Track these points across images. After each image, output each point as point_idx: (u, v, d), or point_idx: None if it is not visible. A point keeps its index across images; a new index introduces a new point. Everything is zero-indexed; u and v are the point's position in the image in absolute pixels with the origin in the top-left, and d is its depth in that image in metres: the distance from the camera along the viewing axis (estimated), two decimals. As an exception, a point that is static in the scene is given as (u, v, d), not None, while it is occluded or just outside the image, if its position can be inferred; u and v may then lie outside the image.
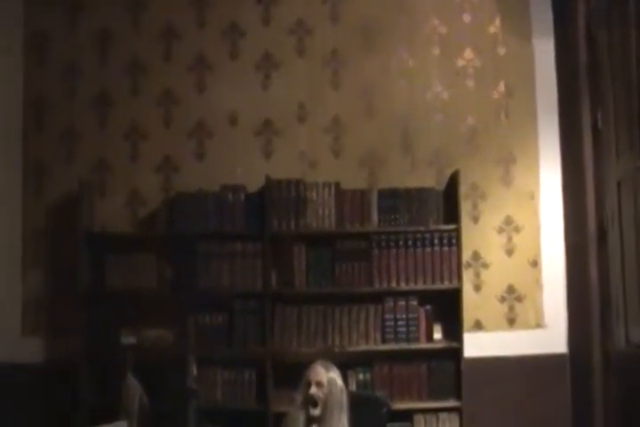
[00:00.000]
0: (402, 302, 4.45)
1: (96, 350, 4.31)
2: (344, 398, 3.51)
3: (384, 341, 4.42)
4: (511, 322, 4.67)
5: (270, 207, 4.45)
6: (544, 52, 4.81)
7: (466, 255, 4.59)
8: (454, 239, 4.46)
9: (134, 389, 3.77)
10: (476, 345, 4.52)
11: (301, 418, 3.52)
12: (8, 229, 4.68)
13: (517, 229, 4.72)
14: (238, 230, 4.48)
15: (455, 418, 4.38)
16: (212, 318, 4.44)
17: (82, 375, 4.26)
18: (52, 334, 4.63)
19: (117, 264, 4.49)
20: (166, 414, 3.72)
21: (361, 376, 4.41)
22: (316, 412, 3.49)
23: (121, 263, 4.48)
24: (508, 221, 4.72)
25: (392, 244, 4.47)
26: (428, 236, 4.48)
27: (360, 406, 3.63)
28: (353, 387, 4.32)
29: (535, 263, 4.70)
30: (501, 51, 4.83)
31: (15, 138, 4.77)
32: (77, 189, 4.53)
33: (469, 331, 4.53)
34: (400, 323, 4.43)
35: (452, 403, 4.38)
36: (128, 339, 4.25)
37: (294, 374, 3.66)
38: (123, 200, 4.71)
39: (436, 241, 4.47)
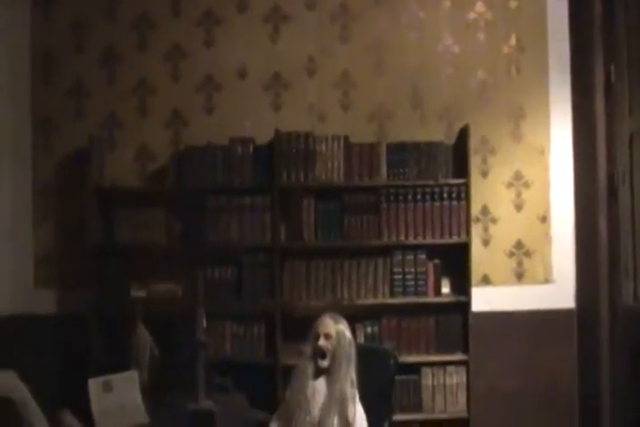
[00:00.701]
0: (410, 256, 4.46)
1: (106, 303, 4.36)
2: (352, 350, 3.55)
3: (392, 294, 4.45)
4: (519, 277, 4.68)
5: (279, 160, 4.44)
6: (557, 4, 4.74)
7: (474, 210, 4.58)
8: (463, 193, 4.46)
9: (144, 339, 3.82)
10: (483, 299, 4.55)
11: (310, 370, 3.57)
12: (19, 184, 4.71)
13: (527, 185, 4.70)
14: (247, 184, 4.48)
15: (462, 371, 4.42)
16: (221, 272, 4.48)
17: (93, 327, 4.32)
18: (63, 287, 4.69)
19: (127, 218, 4.51)
20: (176, 366, 3.77)
21: (369, 330, 4.45)
22: (324, 363, 3.53)
23: (130, 218, 4.50)
24: (518, 176, 4.70)
25: (401, 197, 4.47)
26: (436, 190, 4.47)
27: (368, 358, 3.67)
28: (361, 340, 4.35)
29: (544, 219, 4.69)
30: (513, 4, 4.76)
31: (23, 94, 4.75)
32: (87, 144, 4.53)
33: (477, 285, 4.55)
34: (408, 277, 4.45)
35: (459, 356, 4.42)
36: (137, 292, 4.29)
37: (303, 328, 3.69)
38: (132, 155, 4.71)
39: (444, 195, 4.47)
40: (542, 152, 4.72)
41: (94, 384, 3.31)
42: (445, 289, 4.57)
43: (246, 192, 4.47)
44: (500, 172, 4.70)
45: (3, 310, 4.24)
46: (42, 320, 4.58)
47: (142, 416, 3.28)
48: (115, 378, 3.35)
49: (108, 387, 3.32)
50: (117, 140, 4.73)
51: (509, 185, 4.70)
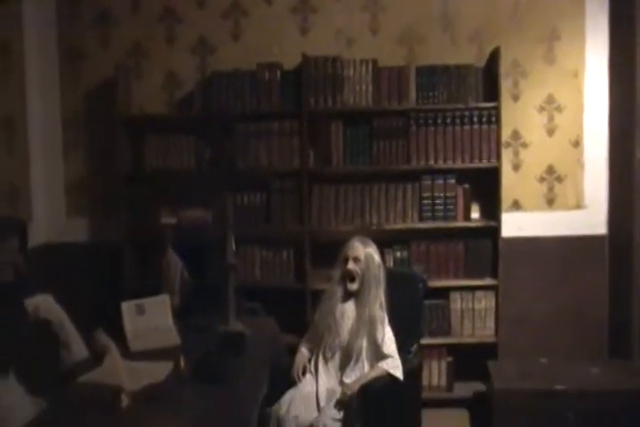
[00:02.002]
0: (440, 181, 4.43)
1: (137, 230, 4.40)
2: (381, 274, 3.57)
3: (421, 219, 4.45)
4: (550, 202, 4.63)
5: (307, 85, 4.38)
6: None
7: (505, 134, 4.51)
8: (494, 117, 4.38)
9: (175, 264, 3.87)
10: (513, 225, 4.54)
11: (339, 293, 3.61)
12: (48, 114, 4.73)
13: (559, 109, 4.60)
14: (275, 109, 4.45)
15: (491, 296, 4.44)
16: (250, 197, 4.51)
17: (125, 254, 4.40)
18: (95, 216, 4.77)
19: (155, 146, 4.53)
20: (206, 289, 3.83)
21: (398, 254, 4.47)
22: (353, 286, 3.56)
23: (159, 145, 4.52)
24: (550, 99, 4.59)
25: (430, 121, 4.41)
26: (467, 113, 4.40)
27: (397, 281, 3.71)
28: (390, 265, 4.37)
29: (577, 143, 4.61)
30: None
31: (50, 24, 4.72)
32: (114, 73, 4.52)
33: (507, 211, 4.53)
34: (438, 201, 4.43)
35: (488, 281, 4.44)
36: (168, 219, 4.33)
37: (332, 253, 3.72)
38: (159, 82, 4.69)
39: (475, 119, 4.40)
40: (576, 75, 4.59)
41: (127, 307, 3.37)
42: (475, 214, 4.55)
43: (274, 117, 4.44)
44: (532, 95, 4.59)
45: (37, 238, 4.31)
46: (75, 248, 4.68)
47: (174, 338, 3.34)
48: (147, 302, 3.40)
49: (140, 310, 3.38)
50: (144, 69, 4.70)
51: (541, 109, 4.60)
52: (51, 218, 4.73)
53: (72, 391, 2.91)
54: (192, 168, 4.52)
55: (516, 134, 4.60)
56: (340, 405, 3.34)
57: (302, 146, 4.41)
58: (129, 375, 2.79)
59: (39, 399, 2.97)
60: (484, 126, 4.39)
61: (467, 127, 4.41)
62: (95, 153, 4.75)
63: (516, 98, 4.58)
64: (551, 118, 4.60)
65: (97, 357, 3.05)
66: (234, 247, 3.52)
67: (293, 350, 3.69)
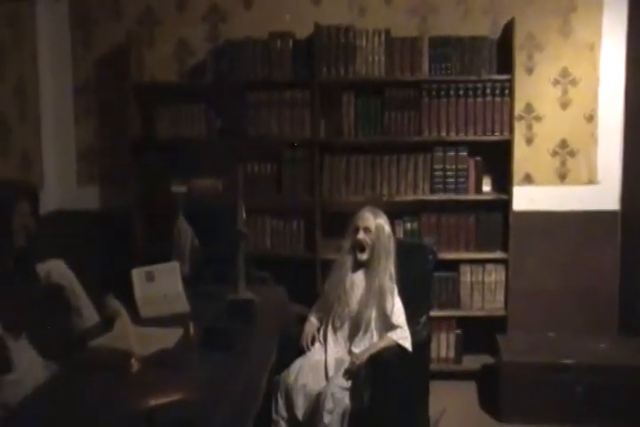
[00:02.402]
0: (451, 153, 4.40)
1: (148, 199, 4.38)
2: (391, 244, 3.56)
3: (432, 191, 4.43)
4: (563, 177, 4.60)
5: (319, 55, 4.35)
6: None
7: (518, 107, 4.47)
8: (507, 90, 4.34)
9: (185, 231, 3.87)
10: (525, 199, 4.52)
11: (349, 263, 3.60)
12: (59, 82, 4.72)
13: (574, 82, 4.55)
14: (287, 78, 4.42)
15: (501, 269, 4.44)
16: (261, 167, 4.50)
17: (135, 222, 4.41)
18: (105, 184, 4.79)
19: (167, 114, 4.52)
20: (216, 258, 3.83)
21: (408, 226, 4.46)
22: (363, 257, 3.55)
23: (170, 113, 4.51)
24: (565, 73, 4.54)
25: (443, 93, 4.37)
26: (479, 86, 4.37)
27: (407, 253, 3.70)
28: (400, 236, 4.36)
29: (591, 118, 4.56)
30: None
31: (61, -8, 4.68)
32: (125, 40, 4.49)
33: (519, 184, 4.50)
34: (449, 173, 4.41)
35: (498, 255, 4.42)
36: (178, 188, 4.32)
37: (342, 223, 3.71)
38: (170, 51, 4.66)
39: (487, 91, 4.36)
40: (592, 48, 4.53)
41: (137, 274, 3.38)
42: (486, 187, 4.53)
43: (286, 87, 4.42)
44: (546, 68, 4.54)
45: (48, 206, 4.32)
46: (85, 216, 4.70)
47: (183, 305, 3.35)
48: (157, 269, 3.41)
49: (150, 277, 3.38)
50: (156, 37, 4.67)
51: (555, 82, 4.55)
52: (62, 185, 4.75)
53: (83, 356, 2.93)
54: (203, 137, 4.51)
55: (529, 107, 4.55)
56: (349, 374, 3.35)
57: (313, 116, 4.38)
58: (139, 341, 2.80)
59: (51, 363, 2.99)
60: (497, 99, 4.35)
61: (479, 99, 4.37)
62: (106, 121, 4.74)
63: (530, 71, 4.53)
64: (565, 92, 4.55)
65: (107, 322, 3.07)
66: (244, 216, 3.50)
67: (302, 320, 3.70)
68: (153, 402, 2.44)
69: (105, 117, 4.73)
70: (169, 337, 3.00)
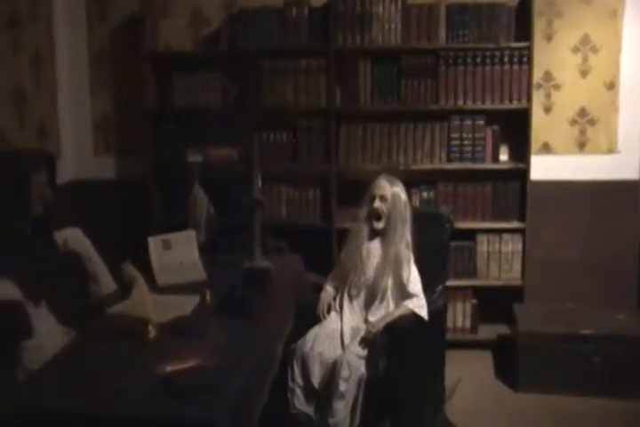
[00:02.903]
0: (468, 122, 4.36)
1: (163, 168, 4.43)
2: (407, 213, 3.54)
3: (449, 160, 4.39)
4: (582, 146, 4.54)
5: (335, 23, 4.30)
6: None
7: (537, 75, 4.40)
8: (525, 58, 4.27)
9: (201, 200, 3.85)
10: (543, 168, 4.47)
11: (365, 232, 3.59)
12: (74, 52, 4.70)
13: (595, 50, 4.46)
14: (302, 47, 4.38)
15: (518, 239, 4.41)
16: (277, 135, 4.48)
17: (151, 191, 4.42)
18: (122, 153, 4.79)
19: (182, 83, 4.49)
20: (232, 226, 3.83)
21: (425, 195, 4.44)
22: (379, 225, 3.54)
23: (185, 82, 4.49)
24: (585, 40, 4.46)
25: (460, 61, 4.32)
26: (497, 53, 4.30)
27: (424, 221, 3.67)
28: (416, 205, 4.33)
29: (612, 86, 4.48)
30: None
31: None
32: (140, 9, 4.46)
33: (537, 153, 4.45)
34: (466, 142, 4.37)
35: (515, 224, 4.40)
36: (194, 157, 4.31)
37: (358, 192, 3.69)
38: (185, 19, 4.62)
39: (505, 59, 4.30)
40: (614, 15, 4.43)
41: (154, 243, 3.38)
42: (504, 156, 4.49)
43: (301, 55, 4.39)
44: (566, 35, 4.45)
45: (65, 175, 4.33)
46: (102, 185, 4.72)
47: (199, 273, 3.36)
48: (173, 237, 3.41)
49: (166, 245, 3.39)
50: (170, 5, 4.62)
51: (575, 50, 4.46)
52: (78, 155, 4.75)
53: (101, 322, 2.95)
54: (218, 106, 4.49)
55: (548, 75, 4.48)
56: (365, 342, 3.36)
57: (329, 84, 4.35)
58: (156, 308, 2.81)
59: (69, 330, 3.02)
60: (515, 67, 4.29)
61: (497, 67, 4.31)
62: (121, 90, 4.72)
63: (549, 38, 4.45)
64: (585, 59, 4.47)
65: (125, 290, 3.09)
66: (260, 184, 3.49)
67: (318, 289, 3.70)
68: (170, 368, 2.47)
69: (120, 87, 4.72)
70: (185, 305, 3.01)
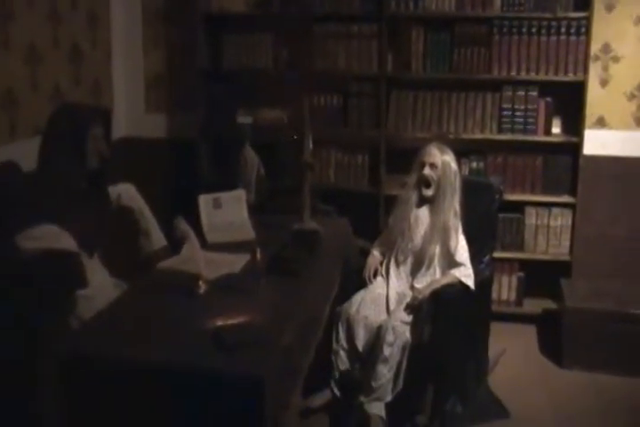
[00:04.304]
0: (521, 92, 4.27)
1: (214, 127, 4.34)
2: (457, 182, 3.49)
3: (500, 131, 4.32)
4: (639, 121, 4.42)
5: (388, -13, 4.24)
6: None
7: (595, 47, 4.26)
8: (583, 28, 4.15)
9: (252, 160, 3.85)
10: (596, 143, 4.35)
11: (414, 198, 3.55)
12: (129, 11, 4.68)
13: (658, 21, 4.32)
14: (355, 11, 4.32)
15: (568, 214, 4.33)
16: (327, 100, 4.45)
17: (201, 150, 4.36)
18: (173, 112, 4.79)
19: (234, 44, 4.47)
20: (282, 187, 3.82)
21: (474, 165, 4.37)
22: (428, 192, 3.50)
23: (238, 43, 4.47)
24: (649, 9, 4.32)
25: (515, 30, 4.21)
26: (554, 23, 4.18)
27: (473, 191, 3.63)
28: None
29: (674, 59, 4.34)
30: None
31: None
32: (194, -30, 4.43)
33: (591, 127, 4.33)
34: (518, 113, 4.28)
35: (565, 199, 4.31)
36: (244, 118, 4.30)
37: (406, 160, 3.65)
38: (239, -20, 4.58)
39: (562, 29, 4.18)
40: (683, -18, 4.27)
41: (204, 201, 3.38)
42: (556, 129, 4.39)
43: (354, 20, 4.32)
44: (628, 5, 4.28)
45: (116, 132, 4.34)
46: (152, 143, 4.73)
47: (248, 233, 3.35)
48: (223, 196, 3.40)
49: (217, 204, 3.38)
50: (225, -34, 4.58)
51: (638, 21, 4.30)
52: (130, 113, 4.76)
53: (151, 276, 2.97)
54: (269, 68, 4.47)
55: (606, 47, 4.35)
56: (410, 309, 3.35)
57: (381, 50, 4.29)
58: (206, 265, 2.81)
59: (120, 282, 3.05)
60: (572, 38, 4.17)
61: (553, 38, 4.20)
62: (174, 49, 4.71)
63: (609, 8, 4.30)
64: (648, 32, 4.34)
65: (175, 245, 3.10)
66: (311, 146, 3.46)
67: (364, 253, 3.68)
68: (220, 323, 2.48)
69: (173, 46, 4.71)
70: (235, 262, 3.02)
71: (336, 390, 3.38)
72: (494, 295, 4.20)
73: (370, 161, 4.47)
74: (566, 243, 4.34)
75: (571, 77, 4.21)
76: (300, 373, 2.69)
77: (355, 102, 4.41)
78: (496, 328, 3.81)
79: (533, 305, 4.44)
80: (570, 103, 4.27)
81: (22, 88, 3.62)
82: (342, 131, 4.46)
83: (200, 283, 2.74)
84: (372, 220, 4.28)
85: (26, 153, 3.09)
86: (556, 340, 4.06)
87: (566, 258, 4.33)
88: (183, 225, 2.95)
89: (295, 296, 2.83)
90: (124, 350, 2.35)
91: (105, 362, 2.32)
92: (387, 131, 4.37)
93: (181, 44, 4.66)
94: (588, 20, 4.13)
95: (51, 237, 2.76)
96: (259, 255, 2.87)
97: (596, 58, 4.34)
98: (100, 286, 2.91)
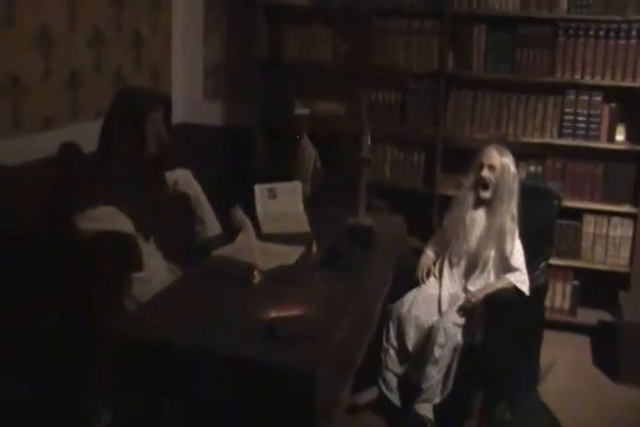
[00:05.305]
0: (584, 97, 4.15)
1: (271, 117, 4.39)
2: (515, 185, 3.42)
3: (561, 135, 4.20)
4: None
5: (452, -15, 4.17)
6: None
7: (665, 52, 4.16)
8: (654, 32, 4.05)
9: (309, 152, 3.79)
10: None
11: (470, 200, 3.49)
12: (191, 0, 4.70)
13: None
14: (417, 7, 4.25)
15: (629, 224, 4.17)
16: (385, 95, 4.39)
17: (258, 139, 4.40)
18: (229, 100, 4.78)
19: (294, 35, 4.45)
20: (338, 182, 3.76)
21: (532, 169, 4.26)
22: (486, 194, 3.43)
23: (297, 35, 4.44)
24: None
25: (581, 33, 4.10)
26: (623, 27, 4.05)
27: (531, 196, 3.54)
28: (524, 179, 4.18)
29: None
30: None
31: None
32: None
33: (658, 136, 4.21)
34: (580, 118, 4.16)
35: (627, 208, 4.16)
36: (301, 110, 4.26)
37: (463, 160, 3.58)
38: (301, -28, 4.55)
39: (632, 33, 4.03)
40: None
41: (260, 190, 3.35)
42: (620, 136, 4.25)
43: (416, 16, 4.26)
44: (702, 9, 4.18)
45: (175, 118, 4.35)
46: (209, 130, 4.71)
47: (303, 225, 3.31)
48: (279, 186, 3.38)
49: (272, 194, 3.36)
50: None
51: None
52: (188, 99, 4.76)
53: (205, 264, 2.94)
54: (328, 61, 4.43)
55: (683, 56, 4.22)
56: (463, 311, 3.28)
57: (442, 47, 4.22)
58: (261, 255, 2.78)
59: (175, 268, 3.03)
60: (643, 42, 4.08)
61: (622, 42, 4.07)
62: (234, 38, 4.70)
63: (685, 11, 4.19)
64: None
65: (230, 234, 3.06)
66: (369, 142, 3.40)
67: (417, 252, 3.63)
68: (274, 314, 2.44)
69: (233, 35, 4.70)
70: (290, 254, 2.98)
71: (384, 389, 3.33)
72: (547, 303, 4.09)
73: (426, 159, 4.40)
74: (625, 254, 4.20)
75: (638, 83, 4.08)
76: (351, 369, 2.66)
77: (413, 99, 4.34)
78: (548, 336, 3.71)
79: (587, 315, 4.30)
80: (636, 109, 4.16)
81: (86, 70, 3.65)
82: (399, 128, 4.39)
83: (255, 273, 2.71)
84: (424, 219, 4.21)
85: (87, 135, 3.08)
86: (611, 353, 3.93)
87: (625, 269, 4.19)
88: (240, 214, 2.91)
89: (349, 292, 2.79)
90: (177, 336, 2.33)
91: (158, 346, 2.30)
92: (444, 130, 4.30)
93: (242, 32, 4.64)
94: (660, 23, 4.02)
95: (109, 218, 2.75)
96: (315, 248, 2.82)
97: (667, 63, 4.22)
98: (155, 270, 2.90)
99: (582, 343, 4.23)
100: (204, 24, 4.72)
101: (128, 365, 2.31)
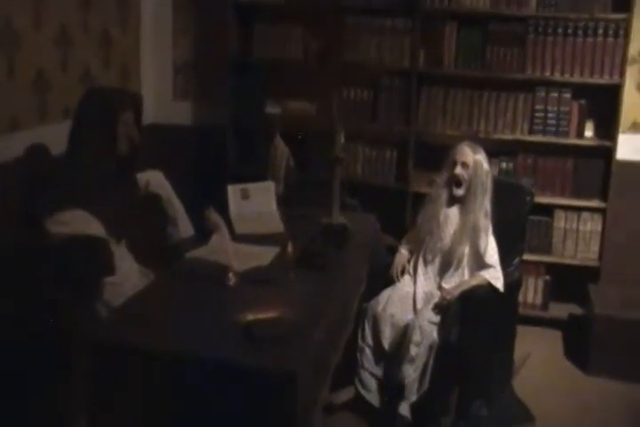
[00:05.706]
0: (554, 94, 4.18)
1: (242, 117, 4.35)
2: (489, 182, 3.43)
3: (531, 132, 4.23)
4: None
5: (422, -18, 4.17)
6: None
7: (633, 49, 4.13)
8: (622, 30, 4.04)
9: (282, 151, 3.77)
10: (631, 148, 4.23)
11: (444, 197, 3.49)
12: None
13: None
14: (388, 5, 4.24)
15: (598, 219, 4.23)
16: (357, 93, 4.38)
17: (229, 139, 4.35)
18: (200, 99, 4.73)
19: (264, 34, 4.42)
20: (311, 181, 3.74)
21: (504, 165, 4.28)
22: (459, 192, 3.44)
23: (268, 34, 4.41)
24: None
25: (550, 30, 4.13)
26: (591, 24, 4.09)
27: (504, 192, 3.56)
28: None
29: None
30: None
31: None
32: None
33: (625, 132, 4.21)
34: (550, 115, 4.19)
35: (596, 203, 4.21)
36: (273, 108, 4.23)
37: (435, 157, 3.60)
38: (268, -29, 4.52)
39: (599, 31, 4.08)
40: None
41: (232, 191, 3.30)
42: (589, 132, 4.29)
43: (387, 14, 4.25)
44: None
45: (144, 119, 4.29)
46: (180, 130, 4.67)
47: (277, 225, 3.28)
48: (252, 187, 3.33)
49: (245, 194, 3.31)
50: (255, -45, 4.52)
51: (679, 24, 4.23)
52: (158, 99, 4.71)
53: (178, 266, 2.90)
54: (299, 59, 4.41)
55: (644, 50, 4.27)
56: (438, 308, 3.29)
57: (414, 45, 4.21)
58: (235, 256, 2.75)
59: (147, 271, 2.99)
60: (610, 39, 4.07)
61: (590, 39, 4.11)
62: (203, 37, 4.66)
63: (650, 10, 4.23)
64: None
65: (203, 235, 3.03)
66: (342, 141, 3.39)
67: (391, 250, 3.62)
68: (251, 317, 2.42)
69: (202, 34, 4.66)
70: (264, 255, 2.96)
71: (360, 388, 3.33)
72: (520, 298, 4.10)
73: (398, 157, 4.39)
74: (595, 248, 4.25)
75: (606, 80, 4.12)
76: (329, 369, 2.66)
77: (385, 97, 4.34)
78: (521, 331, 3.74)
79: (559, 310, 4.34)
80: (604, 106, 4.18)
81: (53, 70, 3.57)
82: (371, 125, 4.38)
83: (230, 275, 2.68)
84: (398, 216, 4.21)
85: (56, 136, 3.03)
86: (582, 346, 3.98)
87: (594, 264, 4.24)
88: (214, 216, 2.88)
89: (326, 292, 2.77)
90: (151, 340, 2.30)
91: (133, 351, 2.27)
92: (416, 127, 4.30)
93: (211, 32, 4.59)
94: (627, 21, 4.02)
95: (79, 222, 2.71)
96: (290, 248, 2.80)
97: (634, 61, 4.22)
98: (127, 273, 2.86)
99: (554, 337, 4.28)
100: (174, 23, 4.67)
101: (103, 371, 2.27)
